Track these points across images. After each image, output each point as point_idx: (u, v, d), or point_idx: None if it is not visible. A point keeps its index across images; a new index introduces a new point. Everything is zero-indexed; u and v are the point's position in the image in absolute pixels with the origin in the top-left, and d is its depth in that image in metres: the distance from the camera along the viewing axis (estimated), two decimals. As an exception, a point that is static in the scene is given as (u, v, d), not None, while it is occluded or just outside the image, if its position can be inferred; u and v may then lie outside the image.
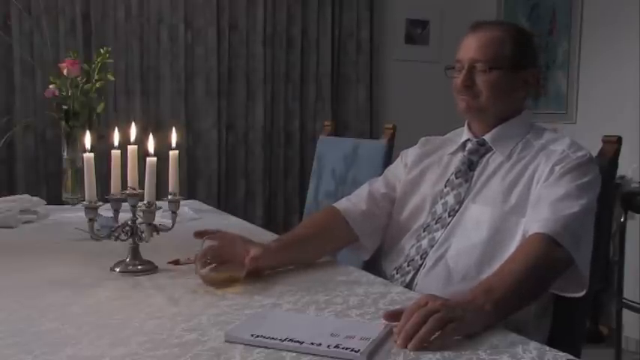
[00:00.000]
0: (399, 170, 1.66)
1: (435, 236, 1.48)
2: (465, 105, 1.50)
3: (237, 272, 1.32)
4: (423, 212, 1.55)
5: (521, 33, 1.55)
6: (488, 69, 1.46)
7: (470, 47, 1.49)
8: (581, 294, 1.31)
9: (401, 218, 1.60)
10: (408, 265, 1.49)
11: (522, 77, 1.50)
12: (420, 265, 1.47)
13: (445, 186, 1.53)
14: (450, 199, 1.50)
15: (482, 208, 1.44)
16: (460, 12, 4.33)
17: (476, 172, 1.50)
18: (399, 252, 1.55)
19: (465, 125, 1.58)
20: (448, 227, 1.47)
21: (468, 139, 1.56)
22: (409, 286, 1.46)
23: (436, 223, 1.50)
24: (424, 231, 1.51)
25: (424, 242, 1.49)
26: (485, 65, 1.46)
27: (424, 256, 1.47)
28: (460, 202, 1.48)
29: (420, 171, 1.61)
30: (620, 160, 1.49)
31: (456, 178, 1.52)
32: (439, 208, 1.51)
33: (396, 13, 4.39)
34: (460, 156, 1.56)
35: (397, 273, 1.51)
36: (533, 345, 0.99)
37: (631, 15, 3.45)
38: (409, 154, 1.67)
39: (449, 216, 1.48)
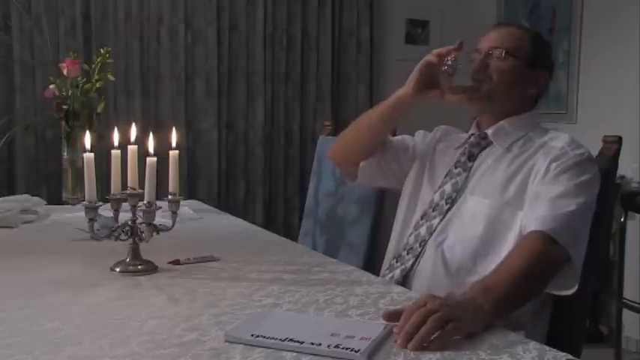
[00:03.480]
0: (417, 143, 1.71)
1: (433, 224, 1.50)
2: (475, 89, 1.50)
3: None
4: (423, 204, 1.57)
5: (540, 36, 1.60)
6: (504, 55, 1.49)
7: (490, 37, 1.54)
8: (572, 291, 1.31)
9: (402, 206, 1.63)
10: (408, 254, 1.51)
11: (535, 75, 1.52)
12: (419, 253, 1.48)
13: (445, 176, 1.55)
14: (448, 187, 1.52)
15: (480, 200, 1.45)
16: (460, 12, 4.33)
17: (475, 164, 1.53)
18: (398, 241, 1.58)
19: (474, 122, 1.61)
20: (446, 218, 1.49)
21: (472, 134, 1.58)
22: (408, 274, 1.48)
23: (433, 211, 1.52)
24: (422, 219, 1.54)
25: (422, 230, 1.51)
26: (502, 52, 1.49)
27: (423, 243, 1.49)
28: (457, 191, 1.50)
29: (430, 160, 1.64)
30: (620, 160, 1.49)
31: (455, 168, 1.55)
32: (437, 197, 1.53)
33: (396, 13, 4.39)
34: (462, 149, 1.58)
35: (397, 262, 1.53)
36: (533, 345, 0.99)
37: (631, 15, 3.45)
38: (428, 136, 1.71)
39: (446, 204, 1.50)
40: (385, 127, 1.66)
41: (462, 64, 1.47)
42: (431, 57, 1.50)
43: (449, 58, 1.47)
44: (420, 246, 1.49)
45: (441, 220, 1.49)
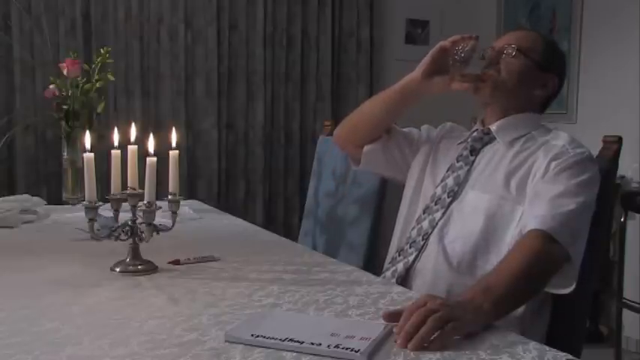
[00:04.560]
0: (422, 136, 1.72)
1: (435, 217, 1.50)
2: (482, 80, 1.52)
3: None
4: (425, 198, 1.58)
5: (555, 43, 1.64)
6: (516, 52, 1.51)
7: (505, 37, 1.58)
8: (569, 290, 1.31)
9: (405, 201, 1.64)
10: (410, 247, 1.51)
11: (544, 78, 1.54)
12: (422, 247, 1.49)
13: (447, 170, 1.56)
14: (450, 181, 1.54)
15: (481, 195, 1.46)
16: (460, 12, 4.33)
17: (477, 158, 1.53)
18: (401, 235, 1.59)
19: (479, 120, 1.62)
20: (447, 212, 1.49)
21: (476, 129, 1.60)
22: (410, 267, 1.48)
23: (435, 205, 1.53)
24: (424, 212, 1.55)
25: (425, 224, 1.52)
26: (514, 49, 1.51)
27: (425, 237, 1.49)
28: (459, 184, 1.51)
29: (433, 155, 1.65)
30: (620, 160, 1.49)
31: (457, 162, 1.55)
32: (439, 190, 1.55)
33: (396, 13, 4.39)
34: (465, 144, 1.59)
35: (400, 255, 1.54)
36: (533, 345, 0.99)
37: (631, 15, 3.45)
38: (434, 131, 1.73)
39: (448, 197, 1.51)
40: (390, 113, 1.67)
41: (473, 56, 1.49)
42: (445, 42, 1.52)
43: (461, 47, 1.49)
44: (422, 239, 1.50)
45: (444, 213, 1.50)
